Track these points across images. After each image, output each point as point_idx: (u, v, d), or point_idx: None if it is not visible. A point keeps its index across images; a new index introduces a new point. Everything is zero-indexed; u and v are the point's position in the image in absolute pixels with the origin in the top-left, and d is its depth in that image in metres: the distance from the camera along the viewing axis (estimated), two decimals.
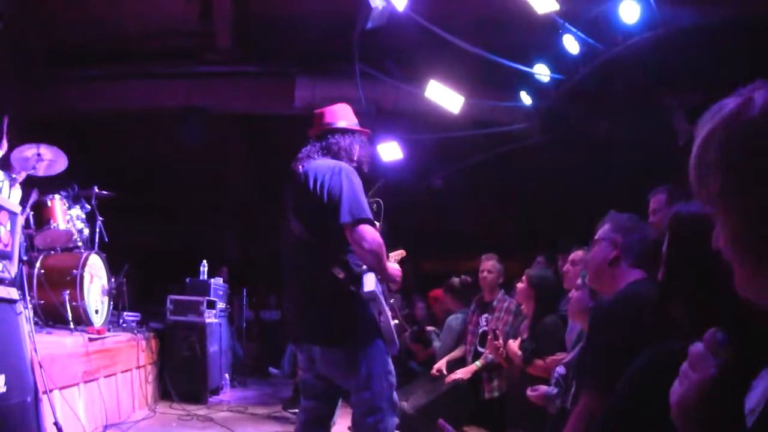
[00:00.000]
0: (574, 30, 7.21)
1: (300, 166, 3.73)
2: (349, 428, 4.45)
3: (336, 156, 3.79)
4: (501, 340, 5.19)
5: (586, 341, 2.97)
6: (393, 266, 3.79)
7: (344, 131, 3.89)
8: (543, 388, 3.90)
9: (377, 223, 3.65)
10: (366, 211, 3.54)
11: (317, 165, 3.70)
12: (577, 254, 4.49)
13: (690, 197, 2.45)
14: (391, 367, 3.64)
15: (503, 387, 5.61)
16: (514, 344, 4.97)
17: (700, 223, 2.03)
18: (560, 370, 3.81)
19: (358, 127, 3.96)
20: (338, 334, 3.57)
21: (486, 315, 6.20)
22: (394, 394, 3.63)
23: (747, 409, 1.19)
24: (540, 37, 7.71)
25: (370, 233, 3.50)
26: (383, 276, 3.67)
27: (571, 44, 7.36)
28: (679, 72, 6.72)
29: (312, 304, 3.62)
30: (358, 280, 3.57)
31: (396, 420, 3.62)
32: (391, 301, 4.72)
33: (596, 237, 2.90)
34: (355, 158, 3.87)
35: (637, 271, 2.79)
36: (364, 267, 3.58)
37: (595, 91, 7.66)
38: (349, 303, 3.55)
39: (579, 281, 3.79)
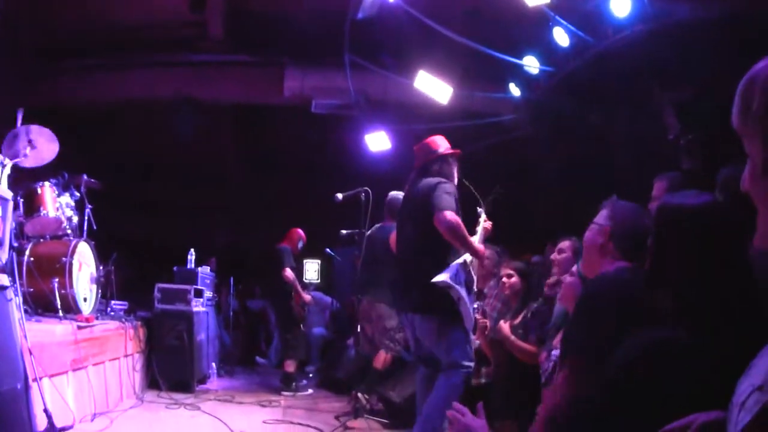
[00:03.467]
0: (564, 23, 7.24)
1: (412, 188, 4.98)
2: (337, 417, 4.53)
3: (437, 176, 4.87)
4: (488, 321, 5.27)
5: (571, 318, 2.94)
6: (477, 244, 4.78)
7: (442, 156, 5.02)
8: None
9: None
10: (448, 203, 4.57)
11: (423, 183, 4.88)
12: (565, 243, 4.60)
13: (687, 187, 2.47)
14: (469, 346, 4.68)
15: (491, 374, 5.62)
16: (505, 325, 4.96)
17: (684, 213, 2.05)
18: (555, 352, 3.82)
19: (451, 150, 5.09)
20: (430, 307, 4.61)
21: (478, 303, 6.17)
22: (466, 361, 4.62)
23: (754, 386, 1.24)
24: (530, 30, 7.73)
25: (448, 216, 4.50)
26: (467, 249, 4.65)
27: (561, 37, 7.40)
28: (669, 67, 6.74)
29: (416, 284, 4.66)
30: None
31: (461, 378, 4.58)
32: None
33: (593, 221, 2.86)
34: (448, 174, 4.97)
35: (623, 262, 2.76)
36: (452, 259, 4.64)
37: (584, 84, 7.69)
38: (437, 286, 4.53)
39: (574, 268, 3.83)
